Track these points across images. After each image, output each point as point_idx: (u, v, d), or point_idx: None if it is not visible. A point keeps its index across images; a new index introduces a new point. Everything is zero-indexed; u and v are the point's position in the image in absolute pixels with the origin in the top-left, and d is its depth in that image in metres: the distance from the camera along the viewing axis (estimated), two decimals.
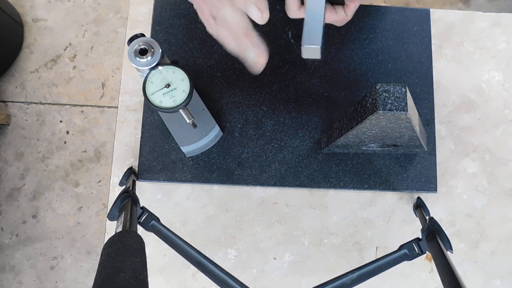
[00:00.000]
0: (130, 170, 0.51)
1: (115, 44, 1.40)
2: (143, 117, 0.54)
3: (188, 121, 0.44)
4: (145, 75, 0.43)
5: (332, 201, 0.54)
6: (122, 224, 0.37)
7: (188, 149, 0.51)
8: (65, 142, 1.34)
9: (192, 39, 0.56)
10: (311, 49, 0.37)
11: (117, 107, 0.71)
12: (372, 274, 0.40)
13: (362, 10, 0.57)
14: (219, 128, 0.52)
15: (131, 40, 0.43)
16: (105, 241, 0.34)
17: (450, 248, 0.40)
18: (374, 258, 0.44)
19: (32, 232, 1.29)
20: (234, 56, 0.42)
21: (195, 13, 0.56)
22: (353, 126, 0.40)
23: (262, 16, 0.37)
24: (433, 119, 0.55)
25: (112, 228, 0.52)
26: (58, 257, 1.28)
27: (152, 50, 0.43)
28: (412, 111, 0.37)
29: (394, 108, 0.34)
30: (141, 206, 0.43)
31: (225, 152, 0.53)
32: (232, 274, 0.39)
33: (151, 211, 0.43)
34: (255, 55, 0.40)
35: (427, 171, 0.53)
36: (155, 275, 0.52)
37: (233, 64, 0.55)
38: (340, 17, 0.44)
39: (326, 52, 0.56)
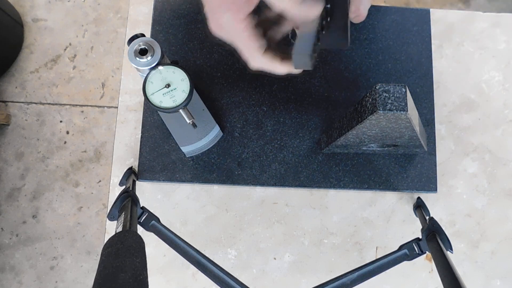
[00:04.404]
0: (130, 170, 0.51)
1: (115, 44, 1.40)
2: (143, 117, 0.54)
3: (188, 121, 0.44)
4: (145, 75, 0.43)
5: (332, 201, 0.54)
6: (122, 224, 0.37)
7: (188, 149, 0.51)
8: (65, 142, 1.34)
9: (192, 39, 0.56)
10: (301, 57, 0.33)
11: (117, 107, 0.71)
12: (372, 274, 0.40)
13: None
14: (219, 128, 0.52)
15: (131, 40, 0.43)
16: (105, 241, 0.34)
17: (450, 248, 0.40)
18: (374, 258, 0.44)
19: (32, 232, 1.29)
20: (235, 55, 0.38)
21: (195, 13, 0.56)
22: (353, 126, 0.40)
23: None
24: (433, 119, 0.55)
25: (112, 228, 0.52)
26: (58, 257, 1.28)
27: (152, 50, 0.43)
28: (412, 111, 0.37)
29: (394, 108, 0.34)
30: (141, 206, 0.43)
31: (225, 152, 0.53)
32: (232, 274, 0.39)
33: (151, 211, 0.43)
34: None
35: (427, 171, 0.53)
36: (155, 275, 0.52)
37: (233, 64, 0.55)
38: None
39: (327, 51, 0.56)
